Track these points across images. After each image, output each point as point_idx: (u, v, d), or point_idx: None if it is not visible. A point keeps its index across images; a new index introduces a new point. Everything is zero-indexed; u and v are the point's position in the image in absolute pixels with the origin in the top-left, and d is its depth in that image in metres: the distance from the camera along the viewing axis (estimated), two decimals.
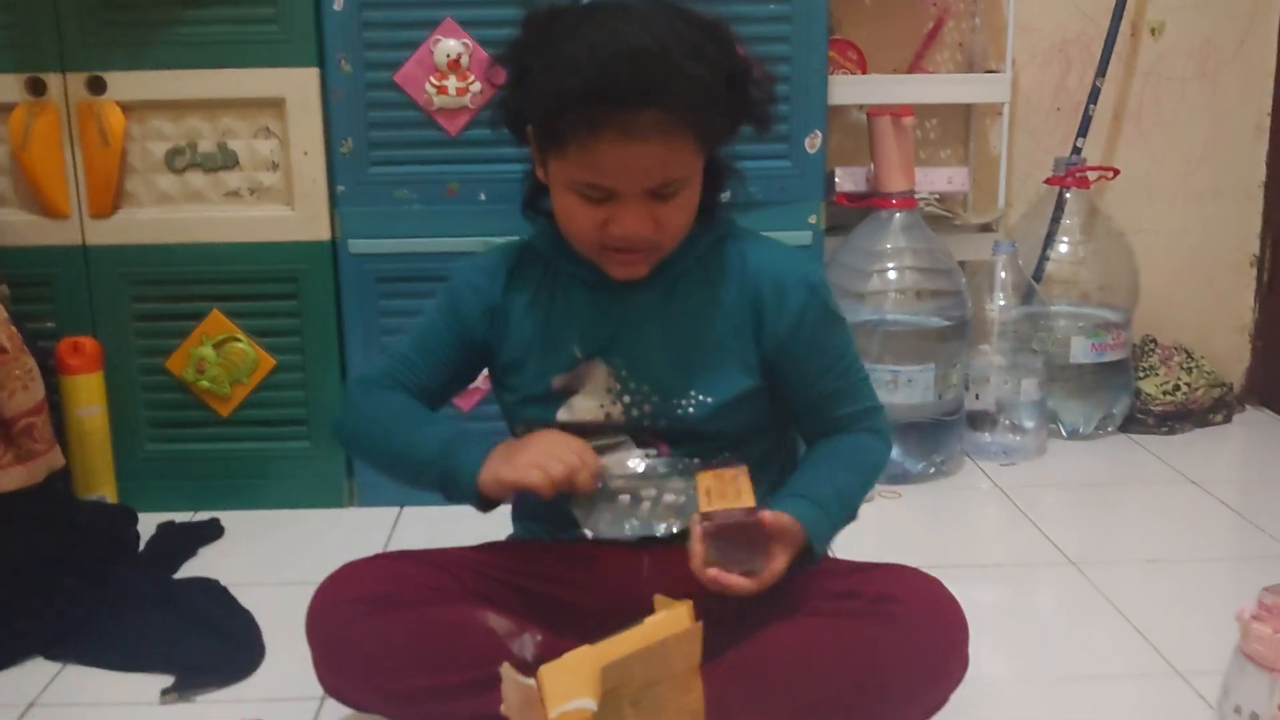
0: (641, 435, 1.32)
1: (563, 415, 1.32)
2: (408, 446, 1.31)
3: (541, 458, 1.21)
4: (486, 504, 1.27)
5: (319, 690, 1.32)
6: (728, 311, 1.31)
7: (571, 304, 1.33)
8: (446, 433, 1.29)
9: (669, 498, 1.32)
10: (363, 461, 1.39)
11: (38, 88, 2.02)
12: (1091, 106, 2.53)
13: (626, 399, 1.31)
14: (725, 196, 1.35)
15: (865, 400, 1.38)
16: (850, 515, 1.31)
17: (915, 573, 1.25)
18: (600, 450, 1.30)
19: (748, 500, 1.16)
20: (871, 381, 1.40)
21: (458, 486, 1.25)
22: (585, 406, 1.32)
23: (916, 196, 2.30)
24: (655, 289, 1.31)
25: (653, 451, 1.32)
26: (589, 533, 1.32)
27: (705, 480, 1.21)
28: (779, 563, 1.17)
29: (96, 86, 2.02)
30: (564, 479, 1.20)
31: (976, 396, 2.37)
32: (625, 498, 1.31)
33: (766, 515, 1.16)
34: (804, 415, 1.37)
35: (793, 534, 1.18)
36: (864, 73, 2.44)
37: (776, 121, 1.37)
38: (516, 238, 1.40)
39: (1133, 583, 1.82)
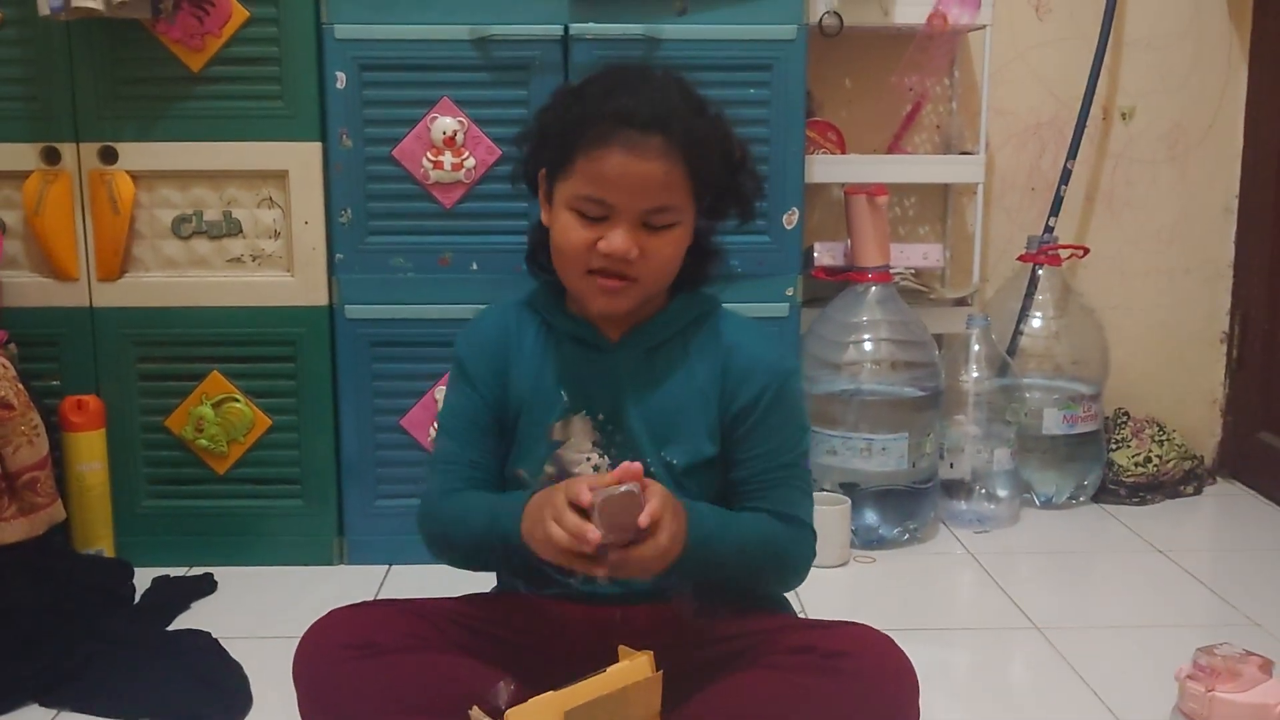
0: None
1: (549, 469, 1.40)
2: (472, 540, 1.36)
3: (547, 544, 1.23)
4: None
5: None
6: (700, 382, 1.39)
7: (564, 358, 1.41)
8: (488, 512, 1.35)
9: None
10: (461, 565, 1.44)
11: (52, 156, 2.12)
12: (1064, 187, 2.63)
13: (613, 451, 1.39)
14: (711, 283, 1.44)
15: (791, 507, 1.39)
16: (740, 552, 1.32)
17: (868, 629, 1.31)
18: None
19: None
20: (812, 502, 1.42)
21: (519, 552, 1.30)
22: (573, 459, 1.40)
23: (892, 271, 2.39)
24: (639, 352, 1.40)
25: (634, 488, 1.38)
26: (573, 581, 1.38)
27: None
28: (664, 534, 1.20)
29: (108, 156, 2.12)
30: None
31: (951, 465, 2.44)
32: None
33: (649, 482, 1.22)
34: (732, 499, 1.40)
35: (676, 509, 1.23)
36: (843, 153, 2.54)
37: (757, 215, 1.46)
38: (508, 300, 1.48)
39: (1095, 648, 1.88)
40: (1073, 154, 2.63)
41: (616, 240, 1.29)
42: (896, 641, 1.30)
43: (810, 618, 1.44)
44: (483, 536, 1.34)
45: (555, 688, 1.15)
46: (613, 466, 1.38)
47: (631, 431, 1.39)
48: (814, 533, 1.42)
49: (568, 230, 1.32)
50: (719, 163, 1.35)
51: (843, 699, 1.22)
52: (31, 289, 2.15)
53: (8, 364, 1.95)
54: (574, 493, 1.20)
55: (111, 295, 2.16)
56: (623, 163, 1.27)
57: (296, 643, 1.35)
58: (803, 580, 1.41)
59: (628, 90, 1.30)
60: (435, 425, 1.48)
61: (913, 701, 1.27)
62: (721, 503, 1.40)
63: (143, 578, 2.10)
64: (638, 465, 1.22)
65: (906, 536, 2.34)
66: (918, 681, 1.28)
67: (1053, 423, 2.54)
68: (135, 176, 2.13)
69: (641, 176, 1.28)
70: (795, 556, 1.40)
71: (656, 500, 1.20)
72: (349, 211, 2.15)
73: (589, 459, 1.39)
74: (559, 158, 1.33)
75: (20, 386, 1.94)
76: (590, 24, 2.11)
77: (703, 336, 1.41)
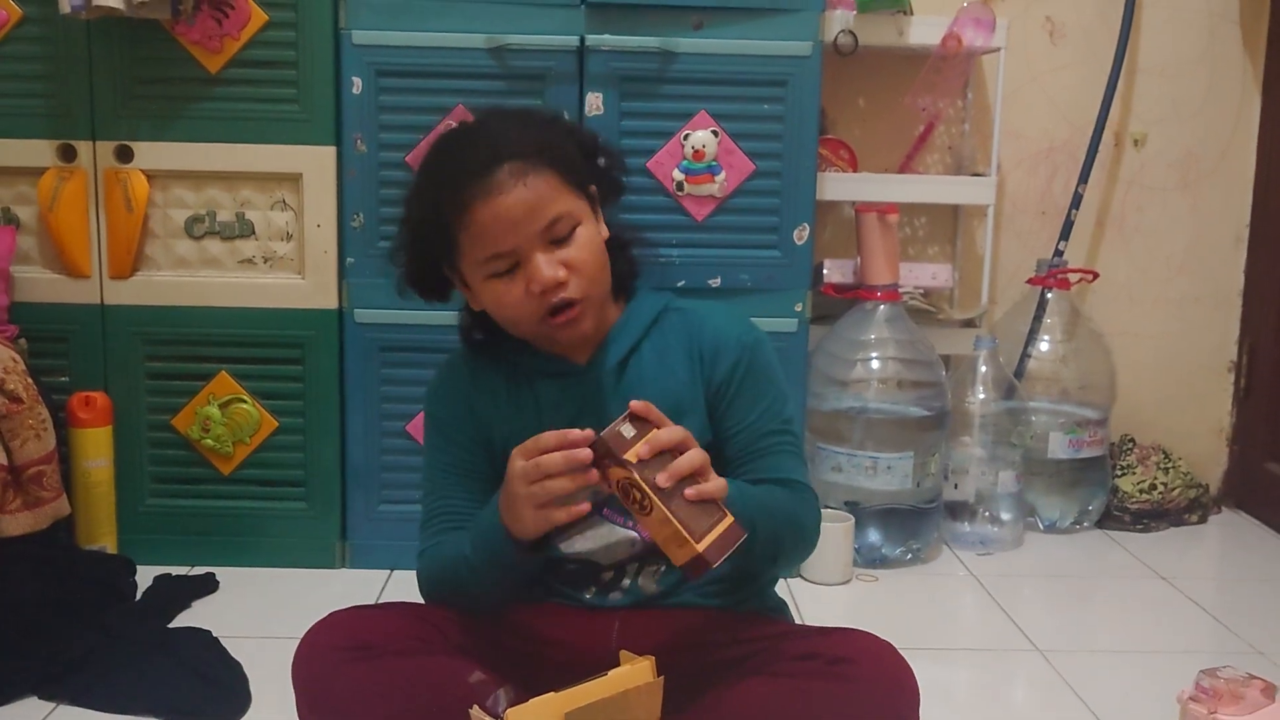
0: (622, 511, 1.38)
1: None
2: (469, 568, 1.34)
3: (537, 500, 1.23)
4: (535, 546, 1.31)
5: None
6: (680, 375, 1.41)
7: (539, 397, 1.41)
8: (470, 531, 1.35)
9: (650, 568, 1.40)
10: (473, 609, 1.41)
11: (68, 154, 2.13)
12: (1074, 211, 2.63)
13: None
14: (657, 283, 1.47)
15: (787, 472, 1.40)
16: (765, 511, 1.31)
17: (869, 636, 1.31)
18: (583, 529, 1.38)
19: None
20: (805, 465, 1.43)
21: (507, 555, 1.29)
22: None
23: (901, 290, 2.39)
24: (611, 369, 1.40)
25: (635, 536, 1.39)
26: (563, 548, 1.38)
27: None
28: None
29: (124, 155, 2.13)
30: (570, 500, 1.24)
31: (955, 486, 2.44)
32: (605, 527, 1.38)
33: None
34: (727, 473, 1.38)
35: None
36: (855, 171, 2.54)
37: (623, 190, 1.45)
38: (458, 352, 1.48)
39: (1097, 671, 1.87)
40: (1084, 179, 2.63)
41: (539, 272, 1.29)
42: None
43: (812, 625, 1.43)
44: (474, 557, 1.33)
45: (556, 690, 1.15)
46: (607, 493, 1.38)
47: None
48: (815, 494, 1.42)
49: (499, 296, 1.33)
50: (574, 149, 1.36)
51: (845, 704, 1.22)
52: (43, 285, 2.16)
53: (18, 358, 1.96)
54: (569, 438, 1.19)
55: (123, 293, 2.16)
56: (489, 210, 1.28)
57: (296, 644, 1.35)
58: (813, 548, 1.42)
59: (452, 154, 1.33)
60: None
61: (914, 708, 1.27)
62: None
63: (145, 575, 2.10)
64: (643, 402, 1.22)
65: (909, 556, 2.33)
66: (919, 689, 1.27)
67: (1058, 447, 2.54)
68: (150, 176, 2.14)
69: (513, 208, 1.28)
70: (807, 520, 1.40)
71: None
72: (361, 216, 2.16)
73: (585, 489, 1.39)
74: (443, 245, 1.33)
75: (30, 381, 1.95)
76: (606, 36, 2.12)
77: (668, 332, 1.43)
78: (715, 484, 1.20)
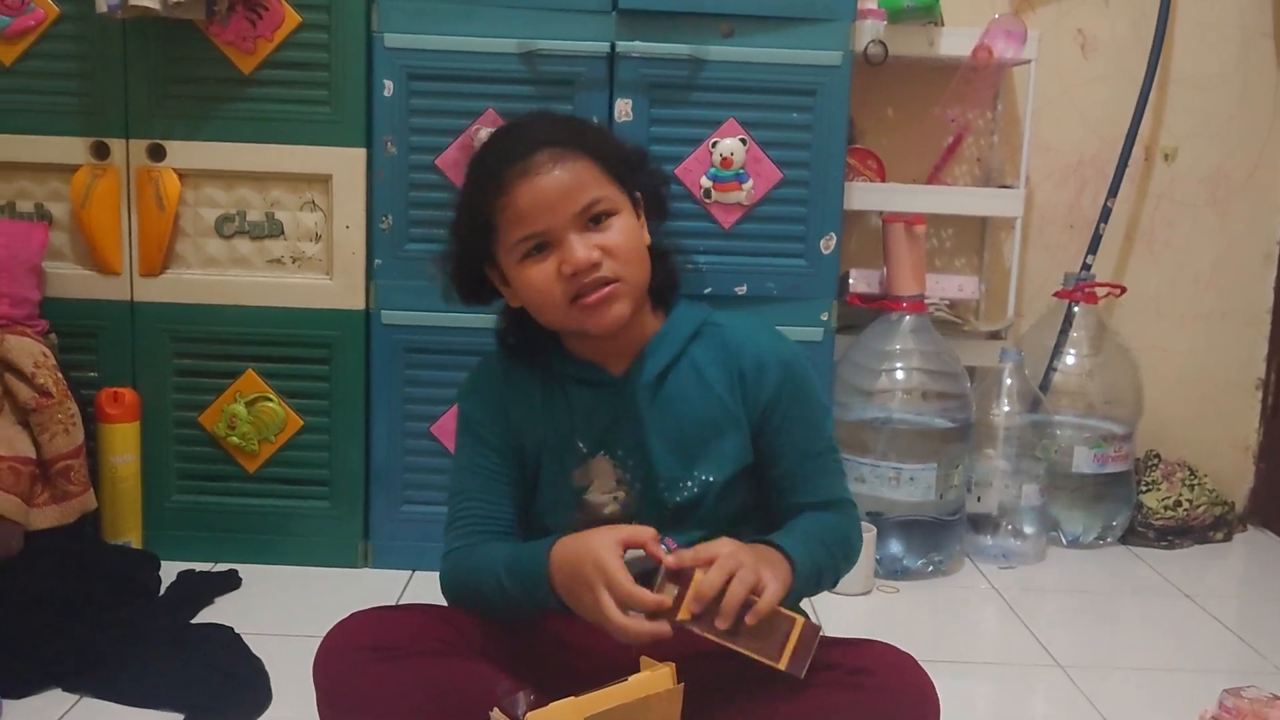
0: (653, 522, 1.39)
1: (580, 514, 1.40)
2: (497, 588, 1.33)
3: (593, 604, 1.23)
4: None
5: None
6: (719, 393, 1.39)
7: (572, 402, 1.40)
8: (508, 558, 1.33)
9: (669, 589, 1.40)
10: (493, 619, 1.40)
11: (101, 151, 2.15)
12: (1103, 225, 2.62)
13: (638, 486, 1.39)
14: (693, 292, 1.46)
15: (834, 492, 1.41)
16: (826, 554, 1.34)
17: (890, 648, 1.31)
18: None
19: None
20: (847, 478, 1.44)
21: (545, 600, 1.29)
22: (598, 501, 1.39)
23: (927, 302, 2.39)
24: (648, 382, 1.39)
25: (663, 549, 1.37)
26: None
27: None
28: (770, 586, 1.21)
29: (156, 153, 2.15)
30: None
31: (979, 499, 2.43)
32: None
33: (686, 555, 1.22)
34: (772, 495, 1.41)
35: (761, 555, 1.24)
36: (882, 181, 2.54)
37: (666, 208, 1.44)
38: (495, 353, 1.46)
39: (1118, 688, 1.86)
40: (1113, 192, 2.62)
41: (571, 252, 1.29)
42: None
43: (832, 636, 1.43)
44: (509, 586, 1.32)
45: (576, 694, 1.15)
46: (639, 502, 1.38)
47: (655, 463, 1.38)
48: (856, 506, 1.43)
49: (531, 278, 1.31)
50: (615, 151, 1.36)
51: (866, 716, 1.22)
52: (74, 281, 2.18)
53: (48, 352, 1.98)
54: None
55: (152, 290, 2.18)
56: (527, 190, 1.28)
57: (318, 642, 1.35)
58: (856, 560, 1.43)
59: (495, 146, 1.35)
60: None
61: (933, 717, 1.26)
62: (759, 505, 1.40)
63: (169, 571, 2.12)
64: (647, 533, 1.23)
65: (931, 568, 2.32)
66: (939, 702, 1.27)
67: (1083, 461, 2.52)
68: (182, 175, 2.16)
69: (550, 189, 1.28)
70: (855, 541, 1.42)
71: (728, 562, 1.20)
72: (390, 218, 2.17)
73: (615, 498, 1.39)
74: (483, 237, 1.33)
75: (59, 375, 1.97)
76: (636, 42, 2.13)
77: (708, 345, 1.41)
78: (769, 597, 1.19)
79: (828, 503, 1.40)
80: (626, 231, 1.32)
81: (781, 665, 1.19)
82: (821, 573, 1.34)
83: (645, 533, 1.24)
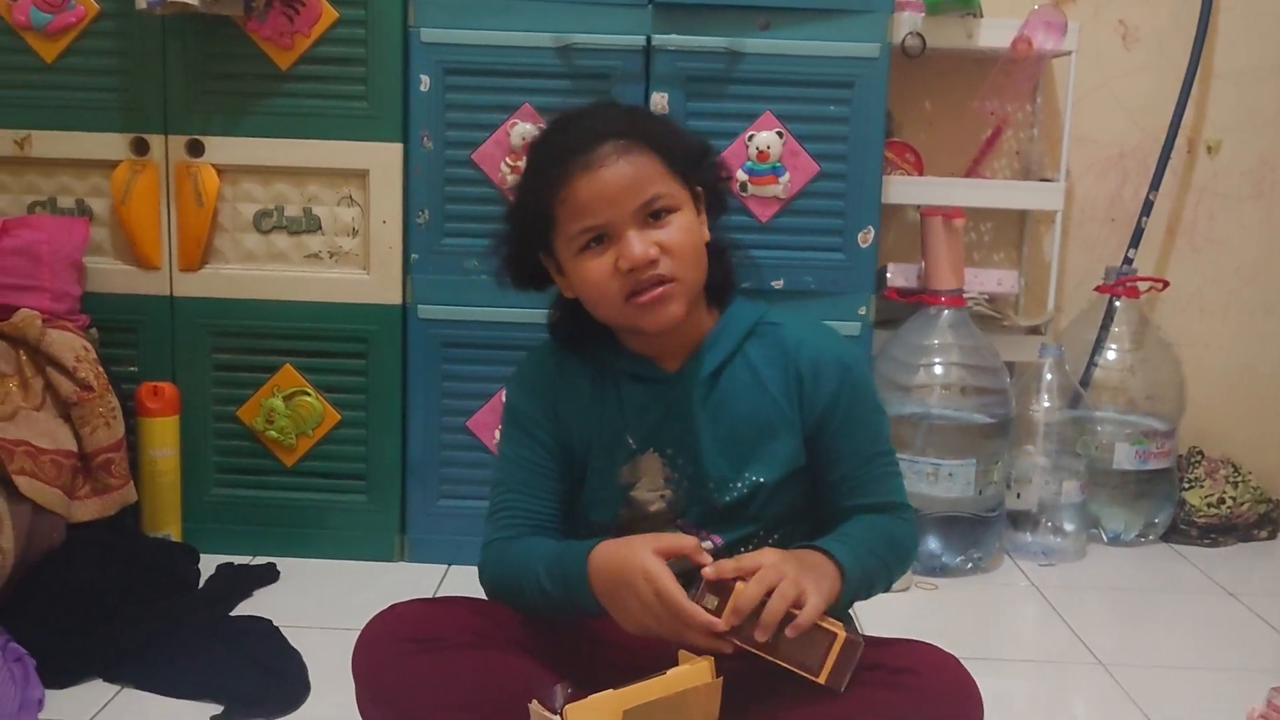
0: (699, 520, 1.38)
1: (625, 510, 1.39)
2: (537, 586, 1.32)
3: (641, 614, 1.22)
4: None
5: None
6: (774, 394, 1.37)
7: (623, 398, 1.38)
8: (551, 558, 1.32)
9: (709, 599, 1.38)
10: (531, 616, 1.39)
11: (141, 147, 2.16)
12: (1144, 219, 2.59)
13: (686, 485, 1.37)
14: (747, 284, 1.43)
15: (891, 495, 1.39)
16: (879, 561, 1.32)
17: (933, 648, 1.29)
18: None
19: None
20: (903, 479, 1.42)
21: (586, 604, 1.28)
22: (645, 498, 1.38)
23: (966, 296, 2.36)
24: (701, 380, 1.37)
25: (709, 545, 1.37)
26: None
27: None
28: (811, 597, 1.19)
29: (195, 149, 2.16)
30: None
31: (1018, 496, 2.40)
32: None
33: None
34: (828, 500, 1.39)
35: (805, 564, 1.23)
36: (920, 174, 2.52)
37: (726, 202, 1.43)
38: (546, 344, 1.45)
39: (1162, 687, 1.84)
40: (1155, 186, 2.59)
41: (630, 248, 1.27)
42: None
43: (875, 635, 1.41)
44: (550, 588, 1.30)
45: (615, 686, 1.15)
46: (686, 500, 1.37)
47: (705, 462, 1.36)
48: (911, 509, 1.41)
49: (588, 272, 1.30)
50: (679, 144, 1.34)
51: (908, 716, 1.21)
52: (115, 276, 2.20)
53: (89, 346, 1.99)
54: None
55: (191, 285, 2.19)
56: (589, 181, 1.27)
57: (355, 635, 1.35)
58: (910, 564, 1.42)
59: (560, 133, 1.32)
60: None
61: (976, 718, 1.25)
62: (810, 505, 1.39)
63: (207, 564, 2.13)
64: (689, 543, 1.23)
65: (970, 565, 2.30)
66: (983, 702, 1.25)
67: (1124, 458, 2.49)
68: (220, 170, 2.17)
69: (612, 182, 1.27)
70: (910, 544, 1.41)
71: (769, 573, 1.19)
72: (426, 212, 2.17)
73: (662, 495, 1.38)
74: (542, 226, 1.32)
75: (100, 369, 1.98)
76: (673, 35, 2.12)
77: (764, 345, 1.39)
78: (809, 611, 1.18)
79: (884, 505, 1.37)
80: (686, 229, 1.31)
81: (821, 679, 1.18)
82: (873, 578, 1.32)
83: (687, 544, 1.23)
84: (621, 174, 1.27)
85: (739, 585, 1.18)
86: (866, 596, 1.34)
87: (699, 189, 1.36)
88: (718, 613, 1.18)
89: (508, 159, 2.15)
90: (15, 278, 2.00)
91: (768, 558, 1.21)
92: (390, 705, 1.32)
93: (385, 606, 1.37)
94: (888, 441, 1.41)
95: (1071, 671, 1.90)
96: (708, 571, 1.19)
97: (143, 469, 2.14)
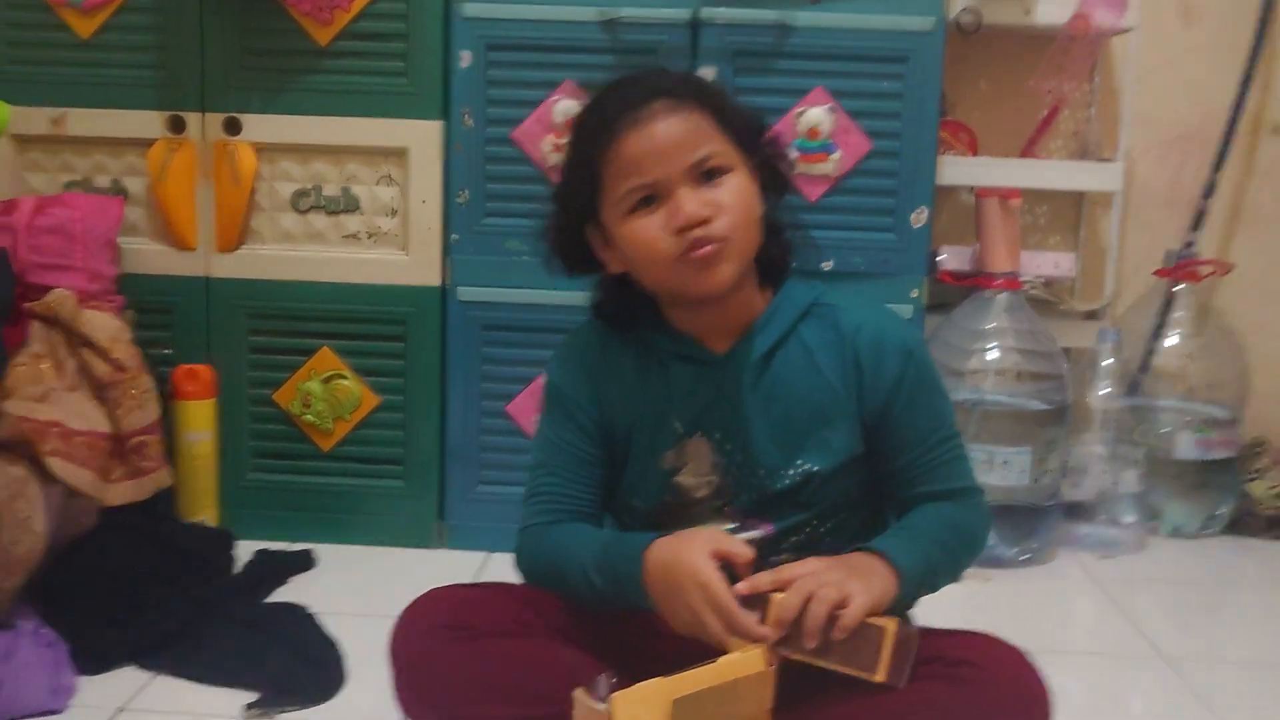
0: (748, 507, 1.32)
1: (670, 496, 1.33)
2: (580, 580, 1.28)
3: (693, 620, 1.18)
4: None
5: (397, 717, 1.33)
6: (830, 378, 1.30)
7: (669, 380, 1.32)
8: (600, 551, 1.27)
9: (773, 558, 1.32)
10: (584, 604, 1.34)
11: (178, 125, 2.13)
12: (1207, 201, 2.50)
13: (735, 471, 1.31)
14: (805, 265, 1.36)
15: (959, 479, 1.32)
16: (944, 551, 1.27)
17: (996, 640, 1.23)
18: (705, 526, 1.30)
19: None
20: (969, 462, 1.35)
21: (636, 600, 1.24)
22: (690, 484, 1.32)
23: (1022, 279, 2.29)
24: (752, 361, 1.30)
25: (757, 534, 1.31)
26: None
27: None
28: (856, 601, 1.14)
29: (232, 127, 2.12)
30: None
31: (1075, 486, 2.33)
32: None
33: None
34: (892, 488, 1.33)
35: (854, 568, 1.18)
36: (974, 155, 2.45)
37: (784, 183, 1.33)
38: (589, 321, 1.39)
39: (1230, 684, 1.76)
40: (1218, 167, 2.50)
41: (682, 206, 1.20)
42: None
43: (932, 626, 1.35)
44: (601, 582, 1.25)
45: (663, 675, 1.09)
46: (734, 487, 1.31)
47: (755, 448, 1.30)
48: (982, 491, 1.34)
49: (636, 232, 1.23)
50: (735, 112, 1.27)
51: (970, 710, 1.14)
52: (150, 256, 2.17)
53: (124, 327, 1.96)
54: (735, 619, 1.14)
55: (228, 266, 2.16)
56: (640, 137, 1.20)
57: (392, 622, 1.31)
58: (983, 549, 1.35)
59: (611, 92, 1.26)
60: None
61: (1043, 715, 1.18)
62: (866, 493, 1.33)
63: (244, 550, 2.10)
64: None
65: (1025, 557, 2.23)
66: (1050, 700, 1.19)
67: (1185, 447, 2.41)
68: (257, 149, 2.13)
69: (664, 138, 1.21)
70: (979, 530, 1.33)
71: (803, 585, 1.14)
72: (466, 192, 2.13)
73: (709, 482, 1.32)
74: (589, 187, 1.25)
75: (135, 350, 1.95)
76: (720, 8, 2.06)
77: (819, 327, 1.31)
78: (854, 610, 1.12)
79: (950, 492, 1.30)
80: (740, 191, 1.24)
81: (879, 677, 1.12)
82: (938, 571, 1.25)
83: (743, 554, 1.18)
84: (673, 129, 1.21)
85: (775, 596, 1.13)
86: (932, 590, 1.27)
87: (754, 161, 1.29)
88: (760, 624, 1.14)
89: (550, 137, 2.10)
90: (49, 257, 1.97)
91: (806, 567, 1.16)
92: (427, 694, 1.28)
93: (423, 591, 1.32)
94: (953, 425, 1.34)
95: (1134, 667, 1.83)
96: (740, 587, 1.15)
97: (178, 453, 2.11)
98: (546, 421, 1.37)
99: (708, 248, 1.22)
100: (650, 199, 1.23)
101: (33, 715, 1.53)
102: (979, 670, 1.18)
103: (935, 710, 1.15)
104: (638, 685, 1.07)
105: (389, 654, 1.30)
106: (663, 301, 1.33)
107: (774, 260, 1.33)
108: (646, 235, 1.23)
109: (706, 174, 1.23)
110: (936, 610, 1.31)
